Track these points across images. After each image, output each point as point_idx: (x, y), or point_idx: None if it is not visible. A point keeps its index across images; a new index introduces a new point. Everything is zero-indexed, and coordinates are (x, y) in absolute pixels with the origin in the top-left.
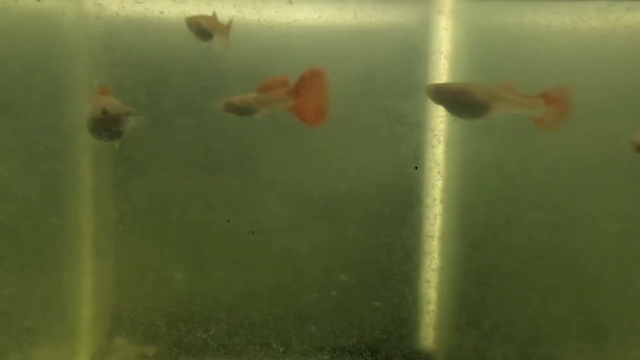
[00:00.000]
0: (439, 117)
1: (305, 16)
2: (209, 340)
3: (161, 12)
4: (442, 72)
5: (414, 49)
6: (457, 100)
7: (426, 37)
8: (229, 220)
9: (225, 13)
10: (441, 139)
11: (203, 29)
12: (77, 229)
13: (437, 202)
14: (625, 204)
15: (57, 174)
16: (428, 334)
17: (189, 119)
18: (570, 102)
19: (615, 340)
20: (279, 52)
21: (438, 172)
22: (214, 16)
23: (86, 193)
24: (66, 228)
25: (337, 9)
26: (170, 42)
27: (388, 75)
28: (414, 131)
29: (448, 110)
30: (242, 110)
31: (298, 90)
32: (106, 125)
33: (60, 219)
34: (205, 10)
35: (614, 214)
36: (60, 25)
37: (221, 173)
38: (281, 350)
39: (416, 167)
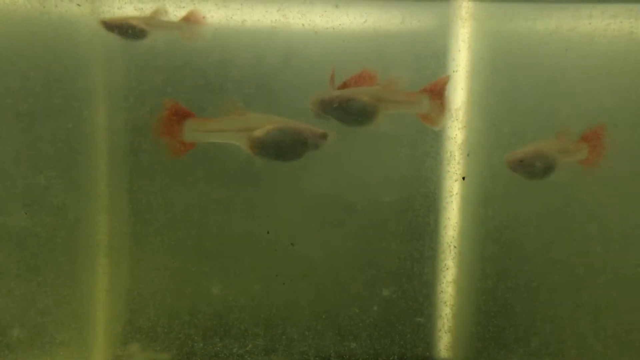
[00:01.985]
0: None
1: (351, 20)
2: (246, 357)
3: (203, 17)
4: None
5: (436, 53)
6: (346, 108)
7: (448, 42)
8: (268, 232)
9: (269, 18)
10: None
11: (134, 27)
12: (108, 238)
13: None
14: None
15: (91, 182)
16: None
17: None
18: (447, 93)
19: None
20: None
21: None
22: (155, 13)
23: (117, 202)
24: (96, 238)
25: (384, 12)
26: (213, 47)
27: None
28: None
29: (337, 119)
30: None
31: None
32: (309, 147)
33: (90, 230)
34: (249, 13)
35: None
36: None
37: (260, 183)
38: None
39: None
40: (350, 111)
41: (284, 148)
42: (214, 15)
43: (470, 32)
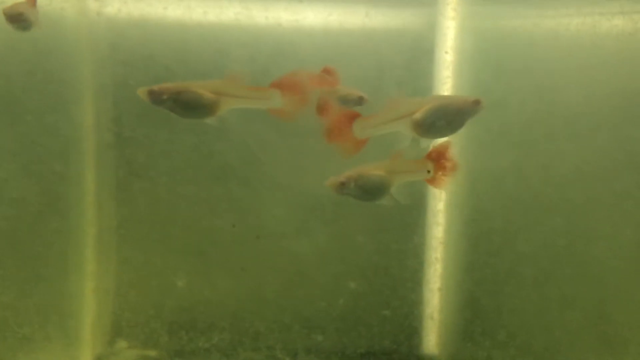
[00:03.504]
0: None
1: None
2: (212, 350)
3: (165, 9)
4: (447, 74)
5: (420, 51)
6: (177, 100)
7: (432, 40)
8: (234, 225)
9: (232, 10)
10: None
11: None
12: (78, 233)
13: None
14: None
15: (57, 176)
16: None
17: (193, 121)
18: (308, 87)
19: (636, 351)
20: (286, 52)
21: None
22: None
23: (88, 196)
24: (67, 232)
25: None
26: (174, 40)
27: (399, 77)
28: None
29: (171, 111)
30: None
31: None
32: (466, 117)
33: (61, 223)
34: (212, 7)
35: (636, 220)
36: (60, 22)
37: (226, 176)
38: None
39: None
40: (182, 104)
41: (445, 123)
42: (176, 9)
43: (456, 28)
